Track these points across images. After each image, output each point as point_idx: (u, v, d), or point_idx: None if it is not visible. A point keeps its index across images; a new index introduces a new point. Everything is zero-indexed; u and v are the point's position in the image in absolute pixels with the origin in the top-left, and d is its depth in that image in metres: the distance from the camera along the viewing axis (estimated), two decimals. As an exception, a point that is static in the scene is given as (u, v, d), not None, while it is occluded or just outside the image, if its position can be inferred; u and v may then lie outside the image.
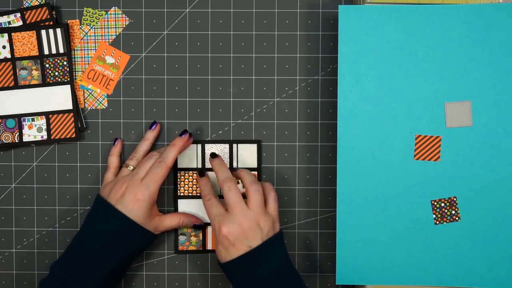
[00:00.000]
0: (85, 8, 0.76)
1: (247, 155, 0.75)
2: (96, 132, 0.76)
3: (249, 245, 0.65)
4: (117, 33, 0.76)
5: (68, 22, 0.75)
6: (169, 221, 0.72)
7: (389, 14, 0.69)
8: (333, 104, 0.75)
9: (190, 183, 0.74)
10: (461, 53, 0.69)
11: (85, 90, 0.76)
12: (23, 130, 0.75)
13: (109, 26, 0.76)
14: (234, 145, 0.75)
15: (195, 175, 0.74)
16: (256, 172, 0.75)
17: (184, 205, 0.75)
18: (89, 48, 0.76)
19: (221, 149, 0.75)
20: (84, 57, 0.76)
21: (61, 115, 0.75)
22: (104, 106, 0.76)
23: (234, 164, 0.75)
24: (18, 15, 0.74)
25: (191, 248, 0.75)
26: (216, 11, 0.75)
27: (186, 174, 0.74)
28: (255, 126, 0.76)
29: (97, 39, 0.76)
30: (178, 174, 0.75)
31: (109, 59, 0.76)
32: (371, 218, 0.70)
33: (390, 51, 0.69)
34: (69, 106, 0.75)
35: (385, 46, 0.69)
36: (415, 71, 0.69)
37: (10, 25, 0.74)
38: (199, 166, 0.74)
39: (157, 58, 0.76)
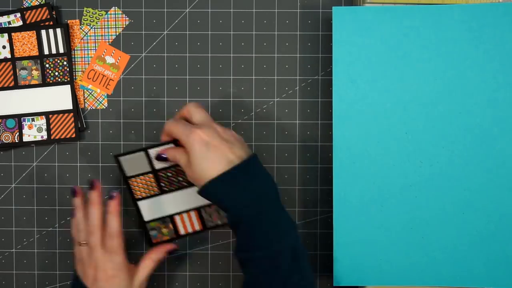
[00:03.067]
0: (85, 8, 0.76)
1: None
2: (96, 132, 0.76)
3: (231, 148, 0.62)
4: (117, 33, 0.76)
5: (68, 22, 0.75)
6: (143, 271, 0.69)
7: (383, 15, 0.69)
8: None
9: (145, 185, 0.72)
10: (456, 53, 0.69)
11: (85, 90, 0.76)
12: (23, 130, 0.75)
13: (109, 26, 0.76)
14: None
15: (146, 176, 0.71)
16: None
17: (146, 205, 0.73)
18: (89, 48, 0.76)
19: None
20: (84, 57, 0.76)
21: (61, 115, 0.75)
22: (104, 106, 0.76)
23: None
24: (18, 15, 0.74)
25: (165, 238, 0.74)
26: (216, 11, 0.75)
27: (139, 179, 0.72)
28: (255, 126, 0.76)
29: (97, 39, 0.76)
30: (130, 181, 0.72)
31: (109, 59, 0.76)
32: (368, 219, 0.70)
33: (384, 52, 0.69)
34: (69, 106, 0.75)
35: (379, 47, 0.69)
36: (410, 72, 0.69)
37: (10, 25, 0.74)
38: (148, 170, 0.72)
39: (157, 58, 0.76)
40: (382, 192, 0.70)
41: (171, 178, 0.72)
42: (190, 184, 0.72)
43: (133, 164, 0.71)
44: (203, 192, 0.63)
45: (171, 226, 0.73)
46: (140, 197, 0.72)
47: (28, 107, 0.74)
